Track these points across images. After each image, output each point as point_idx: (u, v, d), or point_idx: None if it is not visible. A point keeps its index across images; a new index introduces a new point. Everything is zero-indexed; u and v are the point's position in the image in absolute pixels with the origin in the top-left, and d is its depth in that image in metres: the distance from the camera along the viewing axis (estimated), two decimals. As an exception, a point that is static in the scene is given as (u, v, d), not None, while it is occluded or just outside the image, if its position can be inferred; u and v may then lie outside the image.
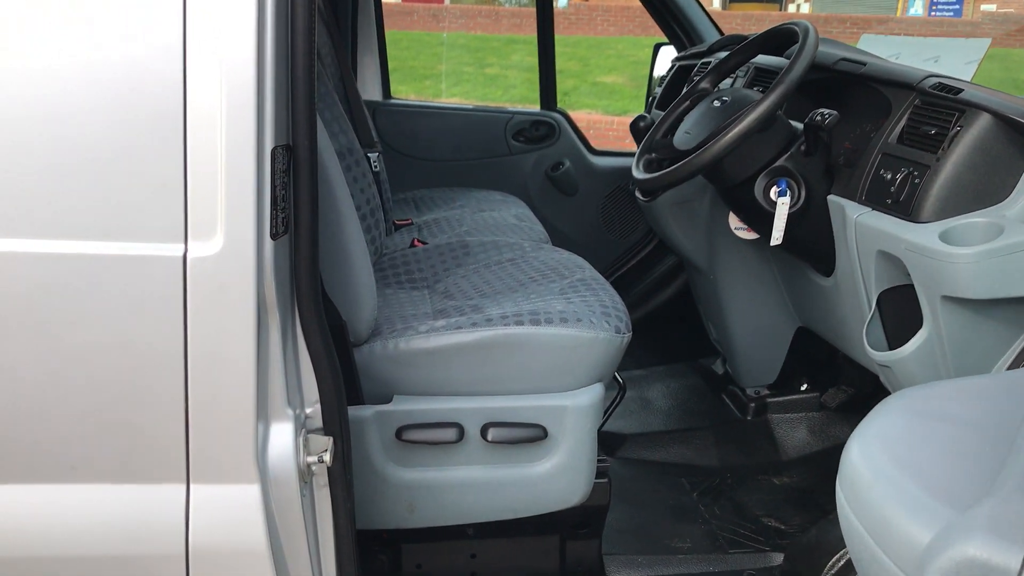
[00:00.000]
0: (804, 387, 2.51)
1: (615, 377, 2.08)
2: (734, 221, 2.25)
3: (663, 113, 3.00)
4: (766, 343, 2.46)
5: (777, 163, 1.92)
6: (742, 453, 2.44)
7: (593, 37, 17.26)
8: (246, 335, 1.31)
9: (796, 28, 1.94)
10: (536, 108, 3.60)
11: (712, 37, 3.28)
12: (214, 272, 1.28)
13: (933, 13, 22.50)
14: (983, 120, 1.64)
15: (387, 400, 1.73)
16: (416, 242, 2.50)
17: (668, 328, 3.28)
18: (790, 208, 1.91)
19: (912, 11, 22.72)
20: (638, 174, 2.04)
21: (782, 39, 2.06)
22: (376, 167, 2.82)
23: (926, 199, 1.68)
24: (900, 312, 1.81)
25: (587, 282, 1.98)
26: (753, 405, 2.51)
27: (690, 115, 2.09)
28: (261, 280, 1.31)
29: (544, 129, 3.53)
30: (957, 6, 22.40)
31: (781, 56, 2.27)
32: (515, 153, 3.53)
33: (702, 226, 2.41)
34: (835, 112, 1.81)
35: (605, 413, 1.90)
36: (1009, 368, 1.65)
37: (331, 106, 2.10)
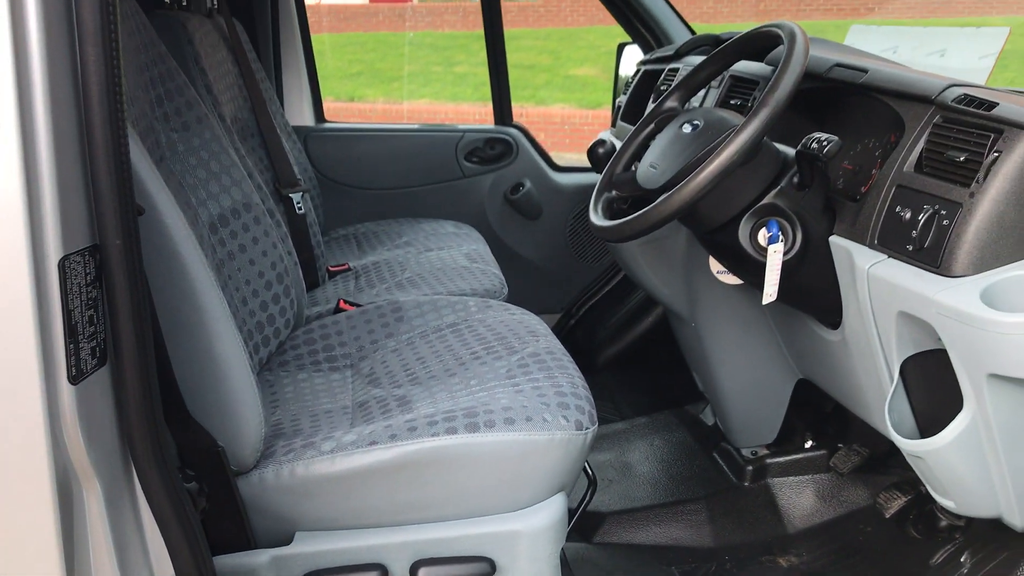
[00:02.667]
0: (808, 444, 2.14)
1: (584, 469, 1.71)
2: (715, 265, 1.88)
3: (628, 130, 2.64)
4: (762, 399, 2.09)
5: (764, 200, 1.55)
6: (741, 528, 2.07)
7: (563, 29, 16.87)
8: (42, 518, 0.93)
9: (779, 31, 1.57)
10: (490, 124, 3.22)
11: (681, 36, 2.91)
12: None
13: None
14: (1027, 142, 1.28)
15: (287, 540, 1.36)
16: (343, 304, 2.12)
17: (648, 365, 2.91)
18: (784, 255, 1.54)
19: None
20: (597, 220, 1.66)
21: (762, 43, 1.69)
22: (301, 209, 2.44)
23: (959, 246, 1.31)
24: (931, 385, 1.44)
25: (540, 358, 1.61)
26: (751, 468, 2.14)
27: (656, 142, 1.72)
28: (58, 441, 0.93)
29: (500, 147, 3.15)
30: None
31: (762, 61, 1.90)
32: (469, 175, 3.15)
33: (679, 268, 2.03)
34: (835, 137, 1.44)
35: (571, 517, 1.53)
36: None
37: (216, 155, 1.72)
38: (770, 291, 1.54)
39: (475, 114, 12.39)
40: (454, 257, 2.51)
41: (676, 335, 2.31)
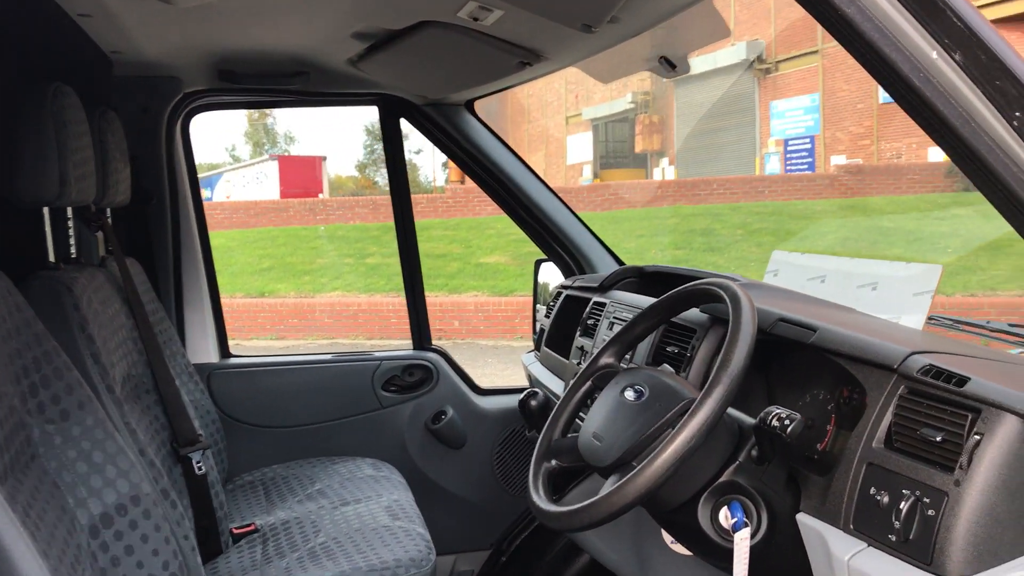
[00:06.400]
0: None
1: None
2: (668, 535, 1.71)
3: (554, 358, 2.53)
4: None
5: (723, 478, 1.40)
6: None
7: (472, 218, 17.25)
8: None
9: (722, 293, 1.47)
10: (408, 350, 3.06)
11: (601, 260, 2.86)
12: None
13: (789, 169, 23.74)
14: (1010, 425, 1.17)
15: None
16: (248, 592, 1.85)
17: None
18: (751, 539, 1.38)
19: (769, 169, 23.92)
20: (540, 502, 1.48)
21: (701, 301, 1.59)
22: (201, 469, 2.20)
23: (951, 542, 1.17)
24: None
25: None
26: None
27: (596, 408, 1.57)
28: None
29: (419, 374, 2.99)
30: (810, 159, 23.72)
31: (698, 308, 1.80)
32: (387, 406, 2.96)
33: (627, 534, 1.86)
34: (797, 415, 1.32)
35: None
36: None
37: (100, 443, 1.50)
38: (739, 585, 1.36)
39: (389, 305, 12.33)
40: (373, 513, 2.28)
41: None
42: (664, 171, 24.78)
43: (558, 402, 1.67)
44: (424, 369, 2.99)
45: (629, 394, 1.51)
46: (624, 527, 1.86)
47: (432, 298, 12.34)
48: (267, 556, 2.12)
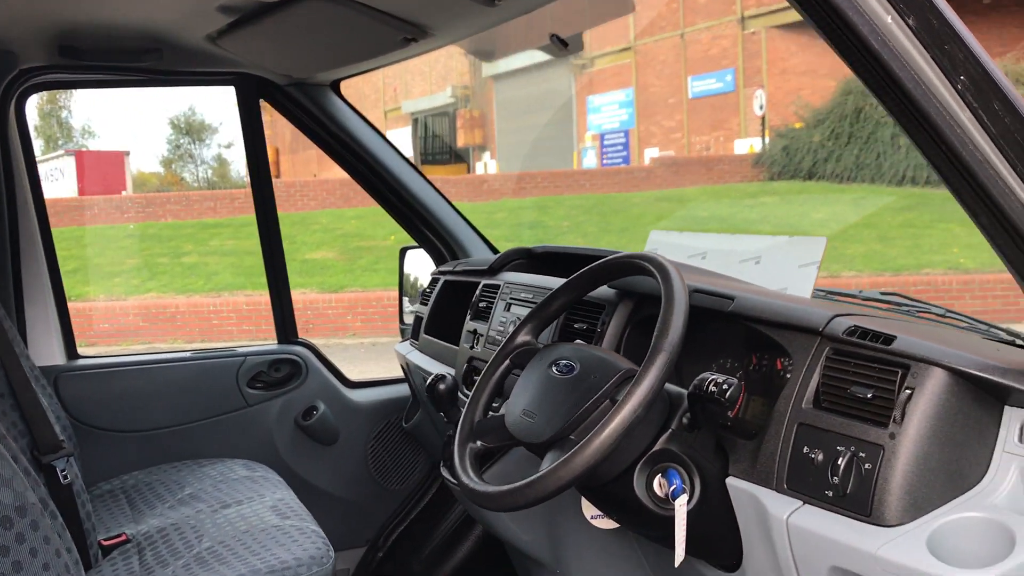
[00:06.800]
0: None
1: None
2: (590, 510, 1.71)
3: (436, 344, 2.47)
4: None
5: (656, 447, 1.41)
6: None
7: (296, 213, 16.77)
8: None
9: (648, 265, 1.48)
10: (273, 343, 2.92)
11: (477, 250, 2.83)
12: None
13: (605, 163, 24.59)
14: (937, 378, 1.24)
15: None
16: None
17: None
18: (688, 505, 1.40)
19: (587, 163, 24.69)
20: (475, 484, 1.44)
21: (623, 274, 1.60)
22: (67, 477, 2.01)
23: (889, 492, 1.22)
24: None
25: None
26: None
27: (521, 385, 1.55)
28: None
29: (287, 369, 2.86)
30: (625, 153, 24.66)
31: (607, 284, 1.81)
32: (254, 404, 2.82)
33: (541, 513, 1.84)
34: (733, 379, 1.35)
35: None
36: None
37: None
38: (681, 551, 1.37)
39: (209, 306, 11.78)
40: (259, 514, 2.16)
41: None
42: (487, 165, 25.04)
43: (476, 383, 1.63)
44: (292, 364, 2.87)
45: (554, 370, 1.50)
46: (539, 509, 1.83)
47: (258, 296, 11.92)
48: (147, 566, 1.96)
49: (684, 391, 1.44)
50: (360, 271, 12.71)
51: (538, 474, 1.32)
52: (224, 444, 2.74)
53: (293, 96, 2.71)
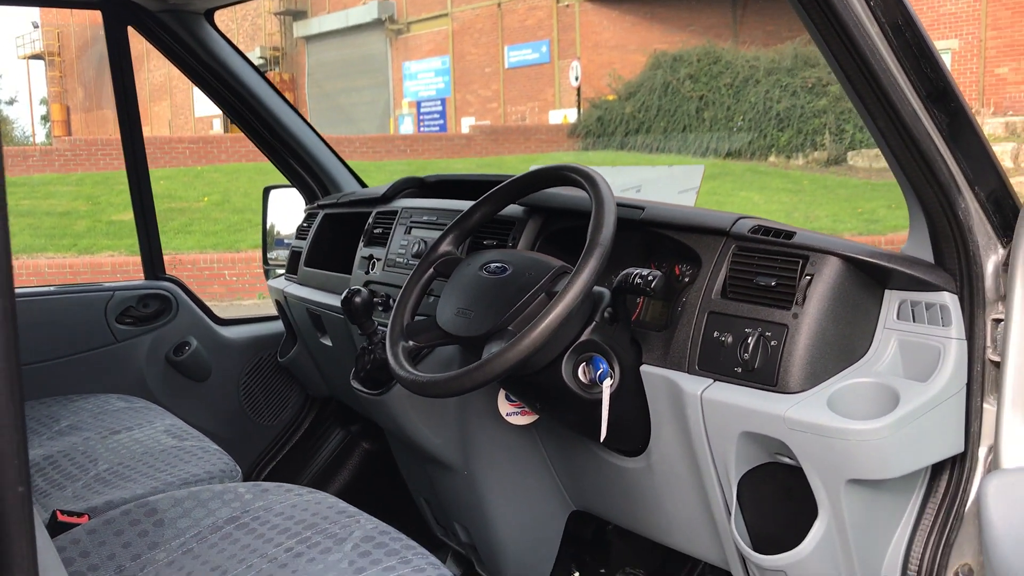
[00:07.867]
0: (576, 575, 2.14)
1: None
2: (506, 406, 1.83)
3: (320, 275, 2.50)
4: (536, 539, 2.04)
5: (582, 338, 1.55)
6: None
7: (98, 173, 15.78)
8: None
9: (574, 175, 1.61)
10: (140, 279, 2.85)
11: (350, 186, 2.86)
12: None
13: (422, 130, 24.60)
14: (833, 264, 1.44)
15: None
16: (63, 517, 1.67)
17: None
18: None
19: (403, 130, 24.60)
20: (412, 375, 1.52)
21: (544, 185, 1.72)
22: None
23: (793, 363, 1.42)
24: (761, 498, 1.53)
25: (378, 541, 1.41)
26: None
27: (451, 288, 1.64)
28: None
29: (156, 304, 2.80)
30: (442, 121, 24.74)
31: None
32: (123, 339, 2.74)
33: (451, 415, 1.94)
34: (659, 273, 1.50)
35: None
36: (907, 544, 1.44)
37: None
38: (604, 427, 1.52)
39: (24, 268, 10.97)
40: (153, 437, 2.14)
41: (436, 487, 2.18)
42: (301, 129, 24.40)
43: (400, 291, 1.71)
44: (161, 299, 2.81)
45: (484, 272, 1.61)
46: (449, 411, 1.94)
47: (61, 260, 11.21)
48: (44, 491, 1.92)
49: (604, 289, 1.59)
50: (173, 233, 12.14)
51: (484, 359, 1.43)
52: (94, 381, 2.66)
53: (165, 23, 2.64)
